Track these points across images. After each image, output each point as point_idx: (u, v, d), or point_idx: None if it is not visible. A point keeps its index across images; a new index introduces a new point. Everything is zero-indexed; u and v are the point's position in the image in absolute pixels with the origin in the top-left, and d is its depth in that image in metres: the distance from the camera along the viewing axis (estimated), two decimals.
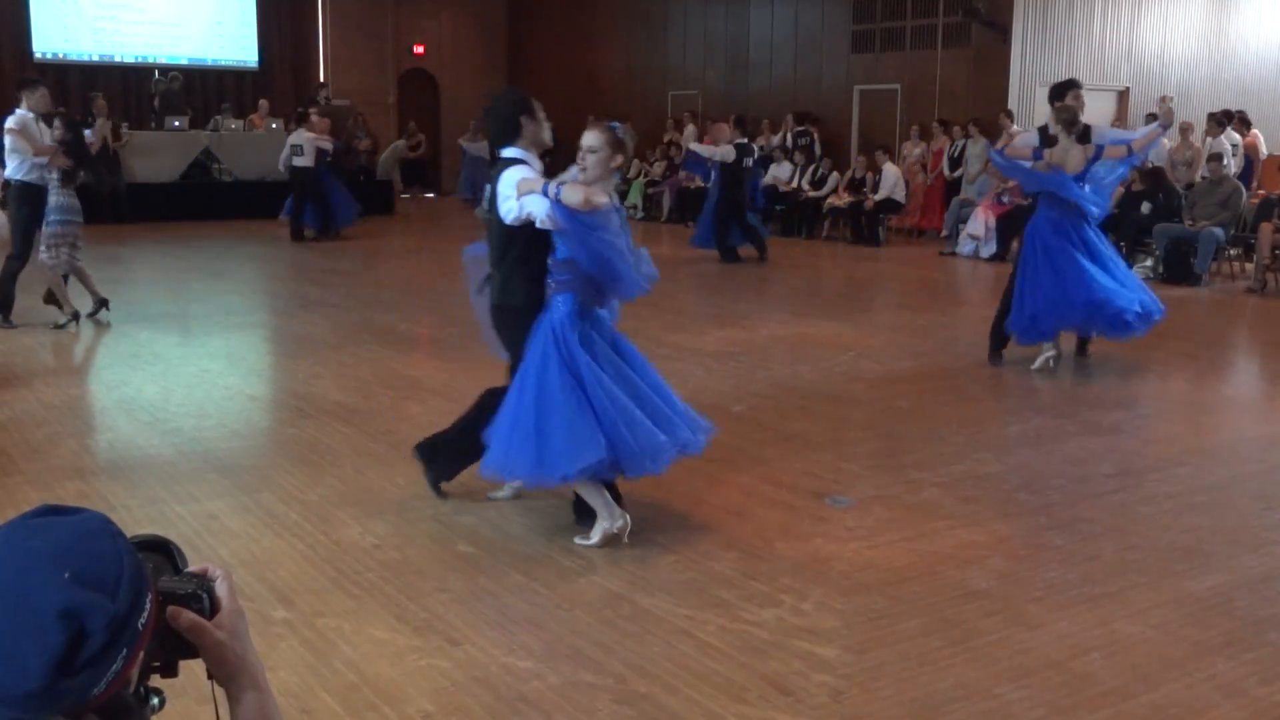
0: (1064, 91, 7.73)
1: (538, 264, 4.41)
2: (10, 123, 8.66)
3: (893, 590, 4.04)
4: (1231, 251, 12.70)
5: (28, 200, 8.68)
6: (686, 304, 10.57)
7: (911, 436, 6.09)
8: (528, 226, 4.28)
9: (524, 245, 4.40)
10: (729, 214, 13.39)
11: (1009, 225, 13.85)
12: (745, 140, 13.98)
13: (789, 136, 17.44)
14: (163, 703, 1.30)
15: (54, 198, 8.60)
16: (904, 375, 7.57)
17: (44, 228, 8.63)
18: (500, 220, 4.38)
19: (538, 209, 4.19)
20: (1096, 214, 7.57)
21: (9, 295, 8.73)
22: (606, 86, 21.57)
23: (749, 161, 13.84)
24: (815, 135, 17.36)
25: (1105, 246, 7.74)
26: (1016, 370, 8.11)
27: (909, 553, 4.41)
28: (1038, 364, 7.70)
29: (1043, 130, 7.69)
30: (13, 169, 8.72)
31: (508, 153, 4.50)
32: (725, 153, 13.37)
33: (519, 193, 4.25)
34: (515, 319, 4.47)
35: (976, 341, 9.14)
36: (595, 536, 4.40)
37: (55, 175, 8.60)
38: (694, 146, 14.18)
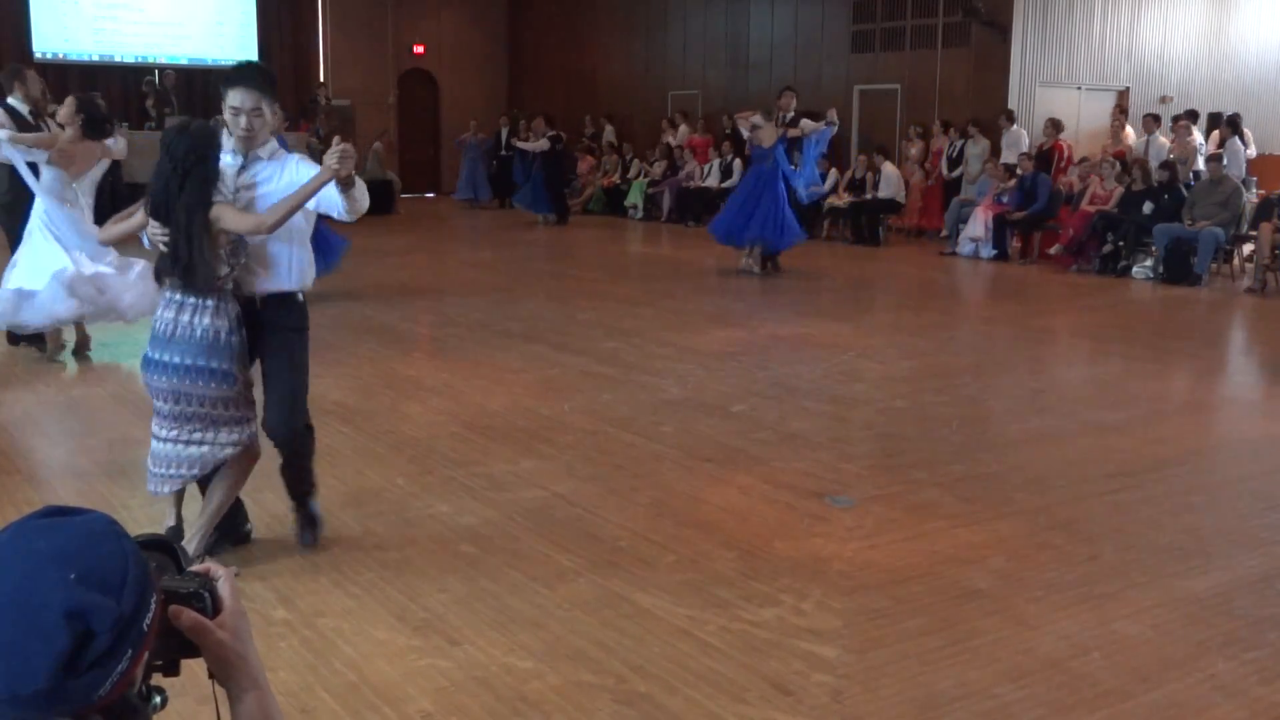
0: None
1: None
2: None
3: (893, 590, 4.04)
4: (1232, 250, 12.69)
5: None
6: (686, 304, 10.57)
7: (911, 436, 6.09)
8: None
9: None
10: (551, 188, 17.90)
11: (1008, 226, 13.88)
12: (556, 133, 18.20)
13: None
14: (165, 701, 1.30)
15: None
16: (904, 375, 7.57)
17: None
18: None
19: None
20: None
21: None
22: (606, 86, 21.55)
23: (559, 148, 18.32)
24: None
25: None
26: (1015, 371, 8.12)
27: (909, 553, 4.41)
28: None
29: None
30: None
31: None
32: (540, 145, 17.66)
33: None
34: None
35: (976, 341, 9.15)
36: None
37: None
38: (516, 143, 18.49)
